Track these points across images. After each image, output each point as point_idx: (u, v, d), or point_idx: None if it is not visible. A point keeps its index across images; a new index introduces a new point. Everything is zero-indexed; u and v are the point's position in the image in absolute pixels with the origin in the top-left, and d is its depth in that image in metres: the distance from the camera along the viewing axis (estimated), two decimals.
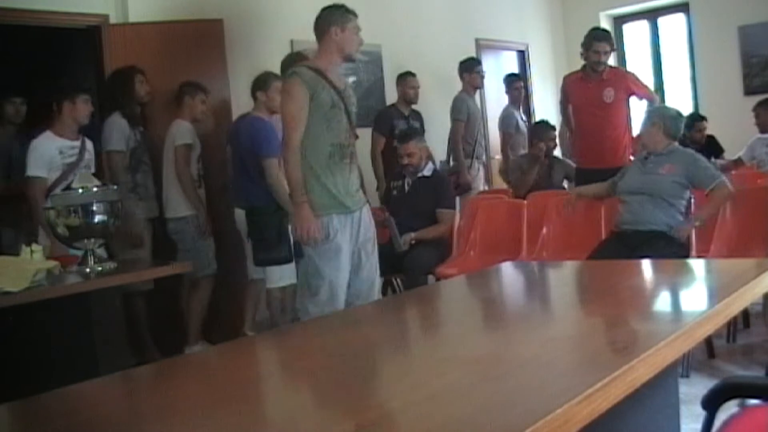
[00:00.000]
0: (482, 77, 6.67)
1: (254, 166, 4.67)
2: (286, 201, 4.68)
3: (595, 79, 5.23)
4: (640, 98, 5.37)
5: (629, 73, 5.63)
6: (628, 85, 5.27)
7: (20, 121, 5.34)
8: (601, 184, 4.60)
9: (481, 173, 6.72)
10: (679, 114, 4.35)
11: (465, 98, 6.46)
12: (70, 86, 4.35)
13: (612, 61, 5.94)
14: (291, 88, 3.38)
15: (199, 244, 4.77)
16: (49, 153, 4.13)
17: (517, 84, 7.18)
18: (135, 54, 4.90)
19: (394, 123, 6.12)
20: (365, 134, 5.76)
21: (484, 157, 6.90)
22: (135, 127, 4.68)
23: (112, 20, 5.12)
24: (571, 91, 5.46)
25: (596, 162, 5.15)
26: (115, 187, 3.54)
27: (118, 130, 4.60)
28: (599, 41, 5.22)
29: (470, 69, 6.58)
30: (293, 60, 4.73)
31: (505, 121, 6.93)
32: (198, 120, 4.88)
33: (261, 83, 4.82)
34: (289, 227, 4.87)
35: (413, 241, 4.78)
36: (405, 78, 6.27)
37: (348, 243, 3.45)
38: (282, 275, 4.77)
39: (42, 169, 4.10)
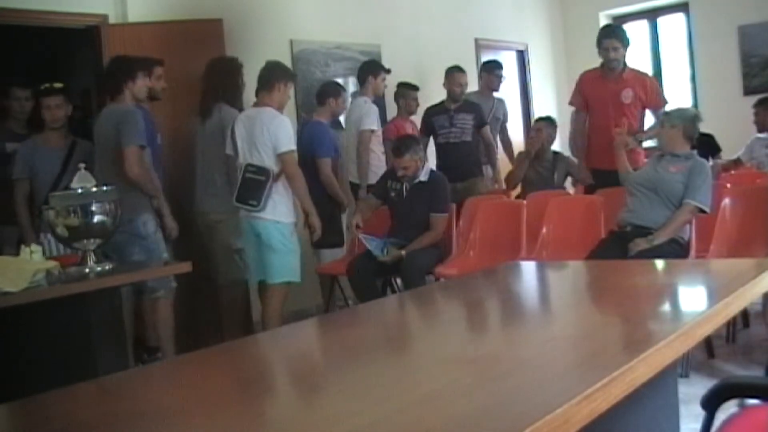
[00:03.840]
0: (500, 80, 6.63)
1: (311, 164, 5.09)
2: (337, 194, 5.36)
3: (613, 78, 5.14)
4: (648, 106, 5.24)
5: (649, 78, 5.47)
6: (645, 87, 5.17)
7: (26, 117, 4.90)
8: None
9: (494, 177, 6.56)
10: (696, 115, 4.34)
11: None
12: (284, 71, 4.53)
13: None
14: None
15: None
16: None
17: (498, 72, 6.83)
18: (134, 54, 4.90)
19: (434, 120, 6.06)
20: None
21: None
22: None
23: (111, 20, 5.12)
24: (587, 89, 5.35)
25: (610, 163, 4.97)
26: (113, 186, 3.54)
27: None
28: (607, 38, 5.15)
29: (490, 70, 6.57)
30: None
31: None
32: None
33: (333, 90, 5.53)
34: (342, 216, 5.46)
35: (403, 255, 4.77)
36: (451, 73, 6.11)
37: None
38: (333, 256, 5.47)
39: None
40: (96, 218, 3.11)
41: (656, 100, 5.26)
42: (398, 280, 5.24)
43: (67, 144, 4.56)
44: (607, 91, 5.15)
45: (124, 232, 4.17)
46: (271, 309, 4.45)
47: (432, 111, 6.16)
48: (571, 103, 5.60)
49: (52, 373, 2.90)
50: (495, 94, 6.73)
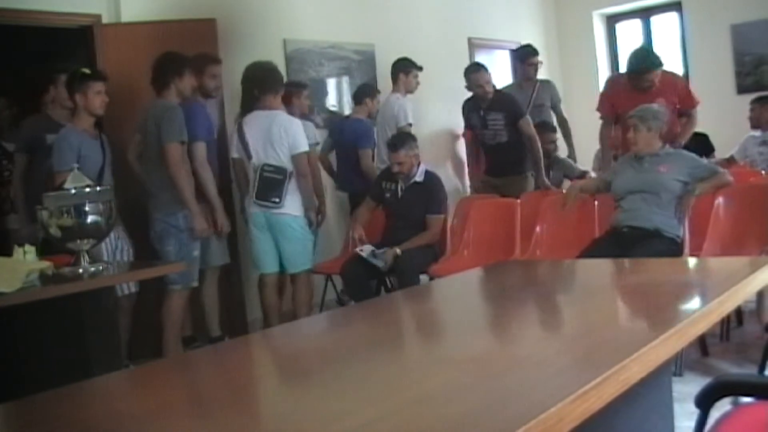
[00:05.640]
0: (535, 67, 6.57)
1: (355, 158, 5.58)
2: None
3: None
4: (681, 109, 5.17)
5: (679, 78, 5.31)
6: (677, 90, 5.13)
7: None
8: (596, 178, 4.59)
9: None
10: (661, 111, 4.41)
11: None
12: (281, 80, 4.85)
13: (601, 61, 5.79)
14: None
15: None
16: None
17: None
18: (128, 54, 4.89)
19: (469, 116, 5.96)
20: None
21: None
22: None
23: (105, 20, 5.11)
24: (617, 99, 5.20)
25: None
26: (108, 186, 3.53)
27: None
28: (647, 71, 5.12)
29: (524, 59, 6.54)
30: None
31: None
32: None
33: (369, 91, 5.95)
34: None
35: (399, 253, 4.77)
36: (468, 75, 5.79)
37: None
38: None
39: None
40: (89, 218, 3.10)
41: (689, 102, 5.24)
42: (392, 279, 5.24)
43: (98, 133, 4.30)
44: (640, 103, 5.05)
45: (165, 223, 4.35)
46: (302, 298, 4.75)
47: (467, 106, 6.00)
48: (598, 110, 5.39)
49: (47, 373, 2.89)
50: (540, 76, 6.68)
